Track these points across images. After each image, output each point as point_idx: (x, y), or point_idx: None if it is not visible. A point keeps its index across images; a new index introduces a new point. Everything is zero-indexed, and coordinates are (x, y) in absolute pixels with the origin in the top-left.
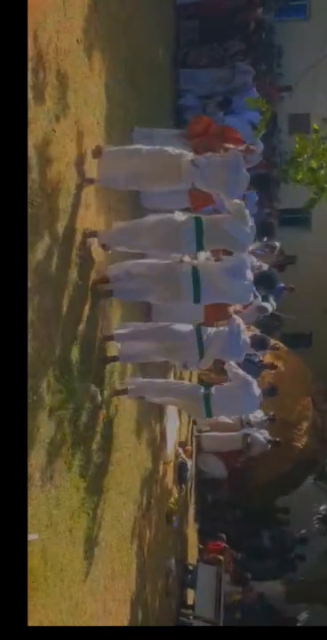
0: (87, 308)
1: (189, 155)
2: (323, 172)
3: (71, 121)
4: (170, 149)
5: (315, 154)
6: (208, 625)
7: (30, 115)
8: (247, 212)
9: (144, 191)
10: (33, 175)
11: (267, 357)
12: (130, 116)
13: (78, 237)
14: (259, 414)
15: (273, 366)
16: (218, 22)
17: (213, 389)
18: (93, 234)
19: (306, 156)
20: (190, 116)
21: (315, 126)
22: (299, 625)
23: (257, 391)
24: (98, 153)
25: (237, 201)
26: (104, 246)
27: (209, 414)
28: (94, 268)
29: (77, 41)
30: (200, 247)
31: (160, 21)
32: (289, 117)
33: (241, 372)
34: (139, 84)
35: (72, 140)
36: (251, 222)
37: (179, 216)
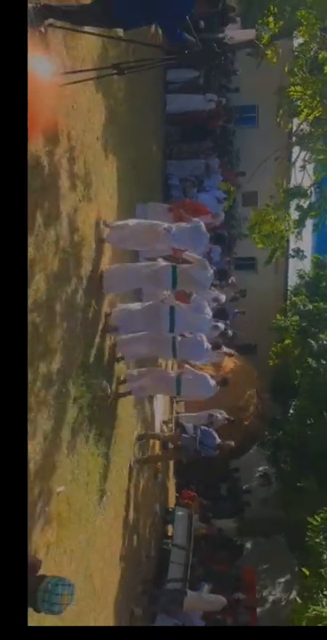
0: (100, 327)
1: (164, 224)
2: (273, 237)
3: (92, 195)
4: (152, 222)
5: (265, 222)
6: (182, 549)
7: (63, 190)
8: (208, 263)
9: (139, 250)
10: (64, 233)
11: (226, 362)
12: (133, 192)
13: (97, 278)
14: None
15: (225, 382)
16: (194, 127)
17: (183, 377)
18: (102, 274)
19: (259, 224)
20: (174, 192)
21: (266, 201)
22: (245, 552)
23: (212, 382)
24: (107, 225)
25: (200, 257)
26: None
27: (178, 392)
28: (107, 304)
29: (97, 139)
30: (174, 285)
31: (154, 126)
32: (243, 194)
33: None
34: (139, 170)
35: (92, 210)
36: (211, 271)
37: (162, 263)
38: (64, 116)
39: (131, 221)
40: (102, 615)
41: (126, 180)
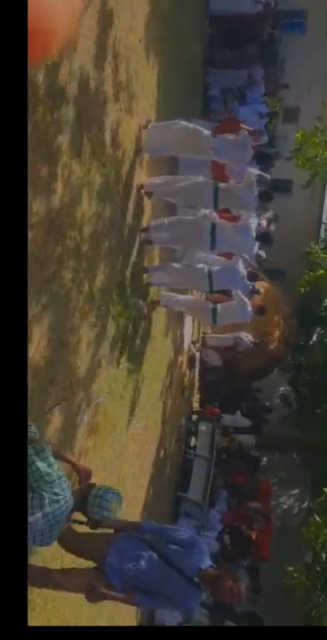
0: (137, 244)
1: (209, 132)
2: (318, 159)
3: (132, 101)
4: (197, 127)
5: (310, 144)
6: (204, 460)
7: (106, 98)
8: (254, 183)
9: (179, 157)
10: (105, 145)
11: (257, 285)
12: (173, 99)
13: (135, 190)
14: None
15: (262, 311)
16: (239, 31)
17: (219, 306)
18: (142, 186)
19: (304, 146)
20: (214, 105)
21: (316, 124)
22: (262, 465)
23: (249, 308)
24: (146, 125)
25: (252, 172)
26: (148, 194)
27: (215, 322)
28: (144, 214)
29: (140, 41)
30: (216, 205)
31: (197, 28)
32: (284, 109)
33: (240, 295)
34: (181, 75)
35: (132, 117)
36: (256, 191)
37: (202, 179)
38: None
39: (175, 121)
40: (132, 513)
41: (167, 87)
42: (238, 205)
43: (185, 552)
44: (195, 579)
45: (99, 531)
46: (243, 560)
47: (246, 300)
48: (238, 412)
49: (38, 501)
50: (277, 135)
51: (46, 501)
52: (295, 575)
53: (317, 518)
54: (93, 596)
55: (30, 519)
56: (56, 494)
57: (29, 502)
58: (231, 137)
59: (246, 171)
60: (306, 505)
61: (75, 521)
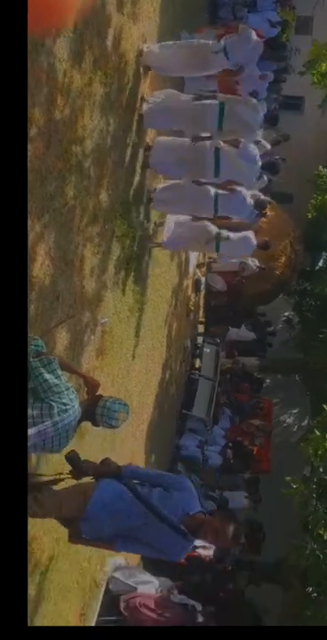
0: (141, 162)
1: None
2: None
3: (135, 7)
4: (201, 41)
5: (325, 57)
6: (208, 380)
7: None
8: (259, 105)
9: (185, 76)
10: (108, 54)
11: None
12: (177, 6)
13: (138, 102)
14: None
15: (266, 246)
16: None
17: (223, 231)
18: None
19: (318, 60)
20: (222, 12)
21: None
22: (264, 385)
23: (253, 242)
24: (148, 47)
25: (253, 100)
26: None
27: (218, 251)
28: (147, 136)
29: None
30: (220, 125)
31: None
32: (296, 20)
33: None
34: None
35: (135, 24)
36: (261, 114)
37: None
38: None
39: (176, 44)
40: (139, 429)
41: None
42: (242, 127)
43: (171, 496)
44: (182, 526)
45: (82, 482)
46: (245, 472)
47: (251, 235)
48: (243, 326)
49: (47, 411)
50: (289, 46)
51: (55, 411)
52: (293, 485)
53: (317, 432)
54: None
55: (40, 427)
56: (64, 404)
57: (39, 412)
58: (235, 36)
59: (257, 76)
60: (305, 423)
61: (59, 475)
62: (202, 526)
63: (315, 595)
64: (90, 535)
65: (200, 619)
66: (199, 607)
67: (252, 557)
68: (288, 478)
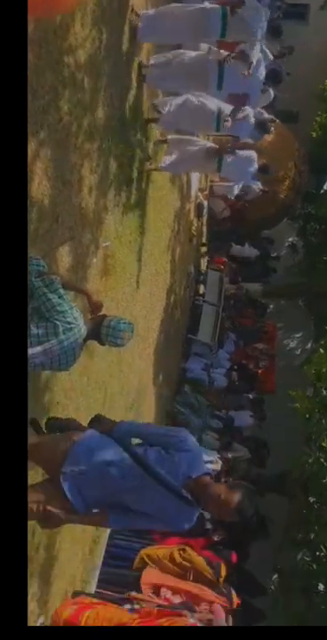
0: (136, 76)
1: None
2: None
3: None
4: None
5: None
6: (213, 305)
7: None
8: (262, 9)
9: None
10: None
11: None
12: None
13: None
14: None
15: (265, 169)
16: None
17: (226, 157)
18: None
19: None
20: None
21: None
22: (268, 310)
23: (255, 165)
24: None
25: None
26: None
27: (219, 171)
28: (143, 51)
29: None
30: (224, 33)
31: None
32: None
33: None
34: None
35: None
36: (264, 19)
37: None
38: None
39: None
40: (145, 352)
41: None
42: (245, 34)
43: (171, 457)
44: (184, 491)
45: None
46: (249, 393)
47: (254, 156)
48: (246, 244)
49: (52, 329)
50: None
51: (60, 329)
52: (297, 400)
53: (321, 351)
54: (48, 523)
55: (46, 345)
56: (69, 323)
57: (44, 330)
58: None
59: None
60: (308, 347)
61: (49, 420)
62: (206, 490)
63: (317, 505)
64: (71, 491)
65: (208, 525)
66: (208, 515)
67: (258, 471)
68: (292, 392)
